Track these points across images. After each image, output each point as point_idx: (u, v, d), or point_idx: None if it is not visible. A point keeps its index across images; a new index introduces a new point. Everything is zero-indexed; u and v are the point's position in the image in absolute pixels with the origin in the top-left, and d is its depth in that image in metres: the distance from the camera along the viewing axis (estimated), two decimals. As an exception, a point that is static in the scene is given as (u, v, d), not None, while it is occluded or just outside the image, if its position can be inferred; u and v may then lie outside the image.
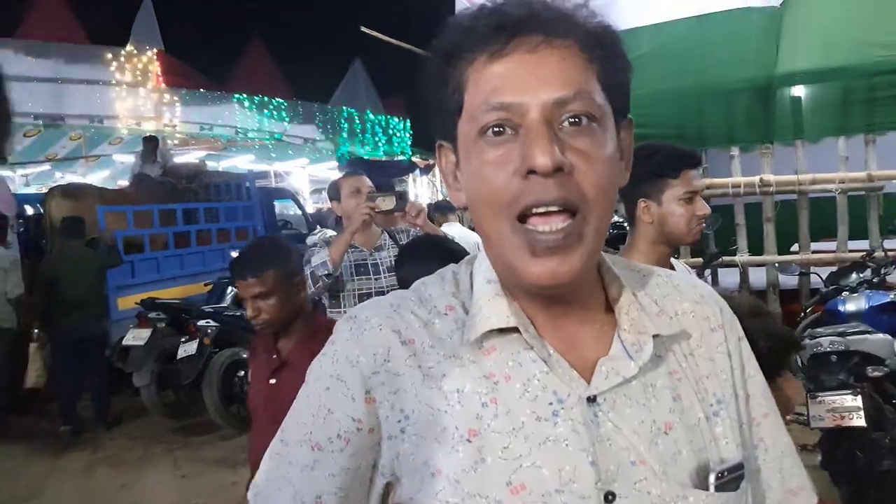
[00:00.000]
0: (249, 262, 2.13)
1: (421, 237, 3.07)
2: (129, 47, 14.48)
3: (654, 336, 0.79)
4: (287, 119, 16.24)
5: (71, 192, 7.56)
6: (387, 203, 3.15)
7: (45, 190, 8.77)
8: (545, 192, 0.70)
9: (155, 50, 15.22)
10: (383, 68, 17.14)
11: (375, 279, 3.24)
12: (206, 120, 14.93)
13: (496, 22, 0.72)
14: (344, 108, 17.65)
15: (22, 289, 6.04)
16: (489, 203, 0.73)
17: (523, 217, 0.71)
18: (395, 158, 16.65)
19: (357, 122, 17.36)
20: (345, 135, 17.33)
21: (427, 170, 15.59)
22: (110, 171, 14.18)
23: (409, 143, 18.14)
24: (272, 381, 2.13)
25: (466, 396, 0.77)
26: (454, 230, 4.80)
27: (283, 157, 16.41)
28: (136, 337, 5.70)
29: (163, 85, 14.49)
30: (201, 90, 14.93)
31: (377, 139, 17.78)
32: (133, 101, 13.72)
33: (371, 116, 17.77)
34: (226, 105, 15.32)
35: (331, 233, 3.38)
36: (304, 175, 17.00)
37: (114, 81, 13.55)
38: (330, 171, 15.63)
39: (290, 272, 2.15)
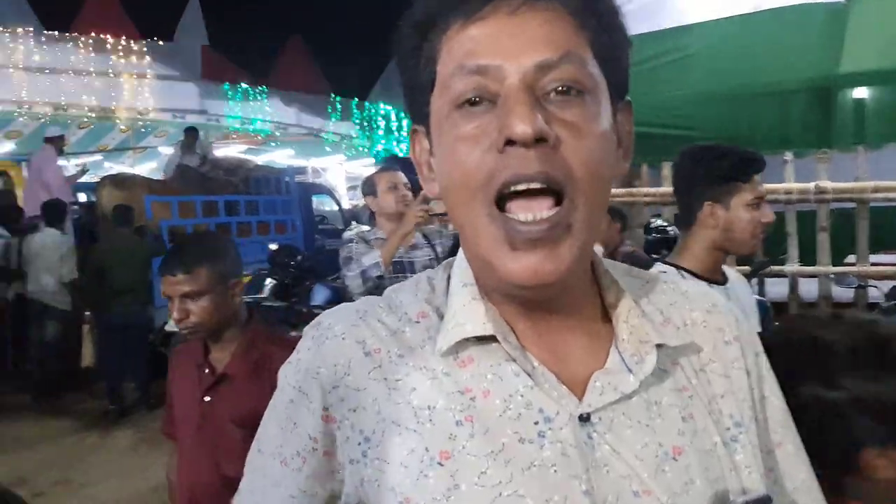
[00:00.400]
0: (181, 256, 1.85)
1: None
2: (175, 41, 14.92)
3: (658, 346, 0.69)
4: (325, 115, 16.51)
5: (120, 181, 7.91)
6: (441, 206, 3.29)
7: (96, 179, 9.11)
8: (525, 166, 0.60)
9: (200, 45, 15.63)
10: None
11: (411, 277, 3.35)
12: (246, 114, 15.28)
13: None
14: (381, 104, 17.85)
15: (76, 273, 6.35)
16: (463, 185, 0.63)
17: (501, 201, 0.62)
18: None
19: (393, 119, 17.55)
20: (381, 132, 17.56)
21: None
22: (156, 163, 14.61)
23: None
24: (207, 398, 1.86)
25: (438, 413, 0.66)
26: None
27: (320, 154, 16.70)
28: (177, 323, 5.95)
29: (207, 79, 14.86)
30: (243, 85, 15.27)
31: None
32: (178, 94, 14.10)
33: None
34: (266, 100, 15.65)
35: (366, 228, 3.41)
36: (341, 171, 17.27)
37: (160, 75, 13.94)
38: (365, 167, 15.85)
39: (225, 272, 1.87)
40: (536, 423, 0.65)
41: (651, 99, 4.97)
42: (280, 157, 15.68)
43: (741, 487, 0.68)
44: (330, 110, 16.57)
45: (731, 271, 2.07)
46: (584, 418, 0.65)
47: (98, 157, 14.20)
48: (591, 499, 0.62)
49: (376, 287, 3.14)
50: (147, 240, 6.75)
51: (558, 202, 0.61)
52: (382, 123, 17.60)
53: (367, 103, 17.71)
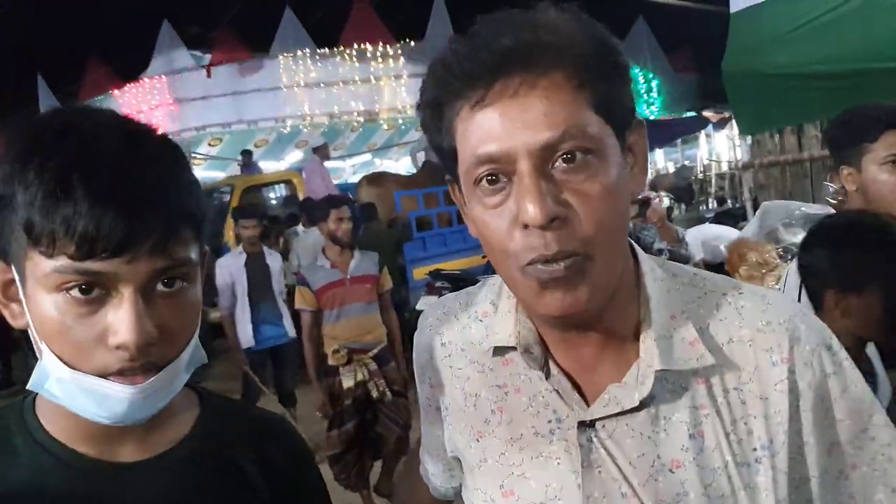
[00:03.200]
0: None
1: (838, 216, 2.81)
2: (426, 39, 15.95)
3: (662, 370, 0.73)
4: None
5: (374, 179, 8.78)
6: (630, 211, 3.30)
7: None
8: (546, 247, 0.66)
9: (447, 37, 16.47)
10: (667, 23, 16.25)
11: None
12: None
13: (470, 70, 0.68)
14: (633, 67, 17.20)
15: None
16: (498, 250, 0.71)
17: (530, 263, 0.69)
18: (683, 115, 15.82)
19: (641, 82, 16.84)
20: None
21: (722, 124, 14.56)
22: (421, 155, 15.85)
23: (699, 98, 17.04)
24: None
25: (481, 401, 0.83)
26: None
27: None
28: (426, 303, 6.49)
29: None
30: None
31: (663, 98, 17.05)
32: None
33: (655, 75, 17.08)
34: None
35: None
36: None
37: (413, 73, 15.03)
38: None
39: None
40: (550, 421, 0.77)
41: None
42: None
43: None
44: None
45: None
46: (589, 424, 0.75)
47: (368, 156, 15.86)
48: (582, 492, 0.74)
49: None
50: (397, 230, 7.48)
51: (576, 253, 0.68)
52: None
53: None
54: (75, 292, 0.67)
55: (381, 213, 7.58)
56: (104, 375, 0.69)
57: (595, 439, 0.74)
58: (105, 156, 0.67)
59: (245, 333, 4.90)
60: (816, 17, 3.97)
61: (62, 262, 0.66)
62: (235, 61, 13.67)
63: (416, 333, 0.95)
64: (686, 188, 11.25)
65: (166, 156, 0.73)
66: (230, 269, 4.94)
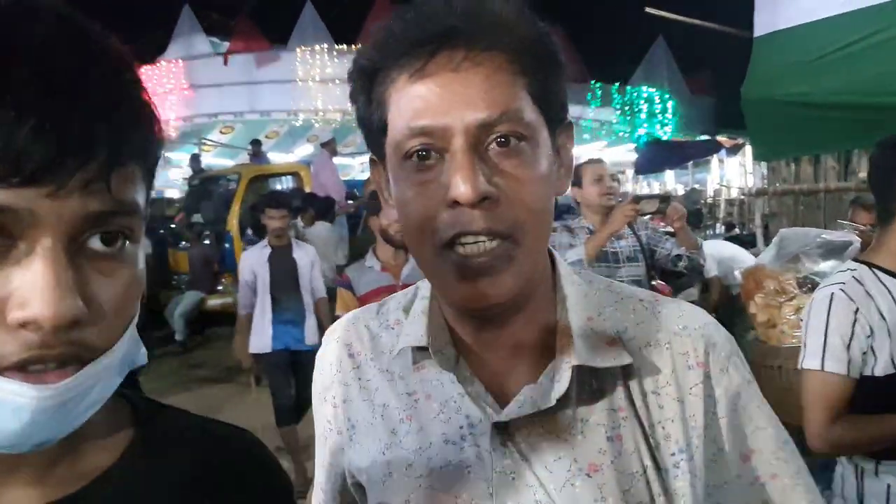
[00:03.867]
0: None
1: None
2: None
3: (581, 366, 0.70)
4: (584, 103, 16.42)
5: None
6: (650, 206, 3.25)
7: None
8: (471, 223, 0.65)
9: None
10: (685, 46, 16.26)
11: (615, 267, 3.29)
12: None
13: (415, 37, 0.66)
14: (643, 88, 17.22)
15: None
16: (417, 229, 0.68)
17: (451, 244, 0.67)
18: (697, 139, 15.79)
19: (656, 102, 16.83)
20: (643, 115, 16.94)
21: (735, 150, 14.53)
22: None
23: (714, 122, 17.03)
24: None
25: (389, 411, 0.77)
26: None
27: (580, 141, 16.67)
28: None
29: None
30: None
31: (678, 119, 17.04)
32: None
33: (671, 96, 17.07)
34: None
35: (574, 219, 3.52)
36: (605, 158, 17.04)
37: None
38: (628, 153, 15.48)
39: None
40: (461, 427, 0.72)
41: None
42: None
43: None
44: (589, 97, 16.43)
45: None
46: (502, 427, 0.70)
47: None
48: (493, 502, 0.69)
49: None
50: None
51: (503, 237, 0.66)
52: (645, 107, 16.97)
53: (628, 87, 17.22)
54: None
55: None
56: None
57: (510, 444, 0.70)
58: (30, 41, 0.45)
59: (261, 338, 4.31)
60: (840, 48, 3.92)
61: None
62: (253, 51, 13.68)
63: (319, 352, 0.88)
64: (695, 212, 11.21)
65: (118, 58, 0.50)
66: (253, 264, 4.38)
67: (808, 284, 2.70)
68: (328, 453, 0.85)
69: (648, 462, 0.70)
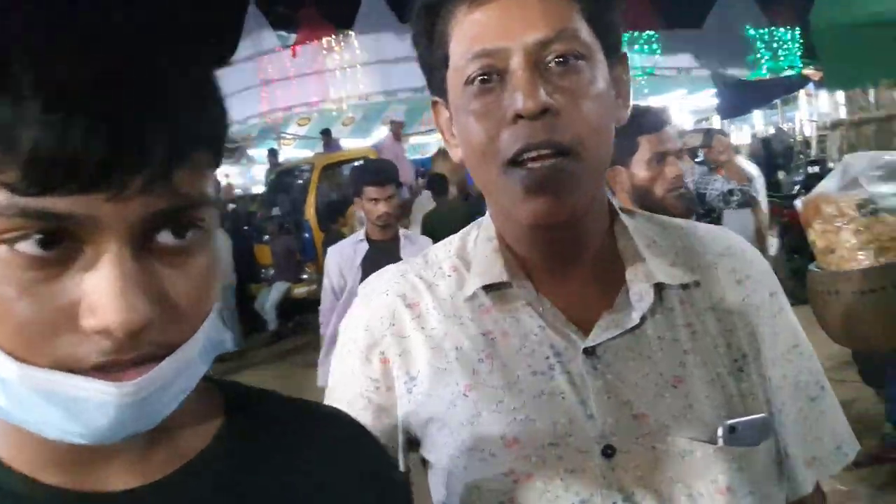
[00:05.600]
0: None
1: None
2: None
3: (659, 285, 0.77)
4: (658, 51, 15.76)
5: (445, 152, 8.82)
6: (693, 140, 3.21)
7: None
8: (534, 136, 0.68)
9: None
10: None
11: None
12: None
13: None
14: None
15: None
16: (481, 153, 0.72)
17: (515, 161, 0.70)
18: (782, 75, 14.83)
19: (735, 41, 15.89)
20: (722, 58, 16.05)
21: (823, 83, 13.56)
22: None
23: (800, 54, 15.92)
24: None
25: (464, 353, 0.78)
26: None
27: (657, 91, 16.02)
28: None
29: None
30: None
31: (759, 56, 16.04)
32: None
33: (751, 32, 16.07)
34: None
35: None
36: (685, 107, 16.34)
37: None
38: (711, 98, 14.75)
39: None
40: (547, 357, 0.76)
41: None
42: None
43: (745, 412, 0.75)
44: (662, 46, 15.74)
45: None
46: (590, 352, 0.74)
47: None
48: (594, 422, 0.73)
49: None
50: (470, 203, 7.48)
51: (565, 154, 0.70)
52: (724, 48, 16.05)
53: (701, 31, 16.33)
54: (26, 246, 0.42)
55: (454, 185, 7.59)
56: (75, 371, 0.44)
57: (599, 367, 0.74)
58: (77, 23, 0.42)
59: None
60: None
61: (1, 197, 0.41)
62: (320, 39, 13.92)
63: (356, 307, 0.87)
64: (785, 151, 10.63)
65: (177, 35, 0.46)
66: (341, 263, 3.12)
67: (869, 206, 2.54)
68: (369, 416, 0.81)
69: (722, 369, 0.77)
